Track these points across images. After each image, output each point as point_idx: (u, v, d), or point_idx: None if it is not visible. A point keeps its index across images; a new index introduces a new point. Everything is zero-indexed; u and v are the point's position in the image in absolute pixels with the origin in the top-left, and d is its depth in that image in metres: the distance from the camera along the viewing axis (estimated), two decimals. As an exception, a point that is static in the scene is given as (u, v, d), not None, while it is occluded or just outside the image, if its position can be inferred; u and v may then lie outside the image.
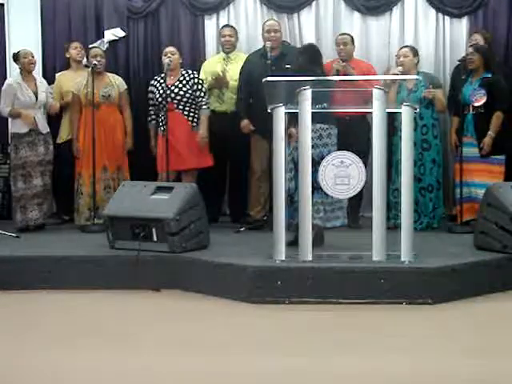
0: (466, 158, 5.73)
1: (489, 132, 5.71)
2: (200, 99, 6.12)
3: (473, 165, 5.76)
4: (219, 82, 6.29)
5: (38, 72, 6.59)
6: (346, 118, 5.56)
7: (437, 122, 6.03)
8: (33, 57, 6.08)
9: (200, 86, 6.13)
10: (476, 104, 5.73)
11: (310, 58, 5.24)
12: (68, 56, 6.61)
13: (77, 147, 6.14)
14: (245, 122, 6.05)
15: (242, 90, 6.11)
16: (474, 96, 5.73)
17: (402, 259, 4.37)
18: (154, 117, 6.19)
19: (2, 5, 6.92)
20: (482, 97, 5.71)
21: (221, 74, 6.28)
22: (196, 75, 6.19)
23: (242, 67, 6.18)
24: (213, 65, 6.45)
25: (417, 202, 5.70)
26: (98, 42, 6.82)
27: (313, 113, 4.42)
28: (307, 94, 4.39)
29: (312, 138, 4.53)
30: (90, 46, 6.53)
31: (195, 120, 6.11)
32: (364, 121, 5.83)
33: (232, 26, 6.62)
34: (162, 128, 6.00)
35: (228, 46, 6.46)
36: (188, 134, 6.05)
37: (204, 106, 6.13)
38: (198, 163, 6.09)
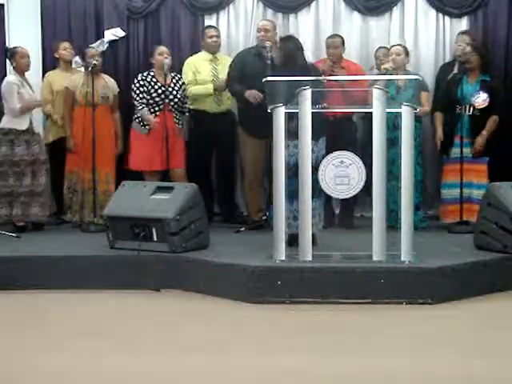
0: (457, 159, 5.72)
1: (483, 132, 5.72)
2: (186, 101, 6.25)
3: (463, 165, 5.72)
4: (221, 86, 6.27)
5: (38, 72, 6.60)
6: (330, 118, 5.46)
7: (419, 124, 6.02)
8: (29, 57, 6.04)
9: (184, 88, 6.24)
10: (479, 106, 5.70)
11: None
12: (57, 56, 6.57)
13: (72, 143, 6.12)
14: (251, 91, 5.67)
15: (232, 85, 5.97)
16: (477, 97, 5.70)
17: (402, 259, 4.37)
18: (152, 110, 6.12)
19: (2, 5, 6.91)
20: (485, 100, 5.68)
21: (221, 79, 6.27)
22: (182, 77, 6.27)
23: (234, 64, 6.04)
24: (200, 63, 6.38)
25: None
26: (98, 41, 6.81)
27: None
28: (307, 94, 4.39)
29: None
30: (90, 45, 6.53)
31: (179, 121, 6.19)
32: (350, 121, 5.79)
33: (215, 27, 6.64)
34: (148, 128, 6.03)
35: (215, 47, 6.45)
36: (174, 134, 6.07)
37: (186, 111, 6.30)
38: (183, 163, 6.19)
